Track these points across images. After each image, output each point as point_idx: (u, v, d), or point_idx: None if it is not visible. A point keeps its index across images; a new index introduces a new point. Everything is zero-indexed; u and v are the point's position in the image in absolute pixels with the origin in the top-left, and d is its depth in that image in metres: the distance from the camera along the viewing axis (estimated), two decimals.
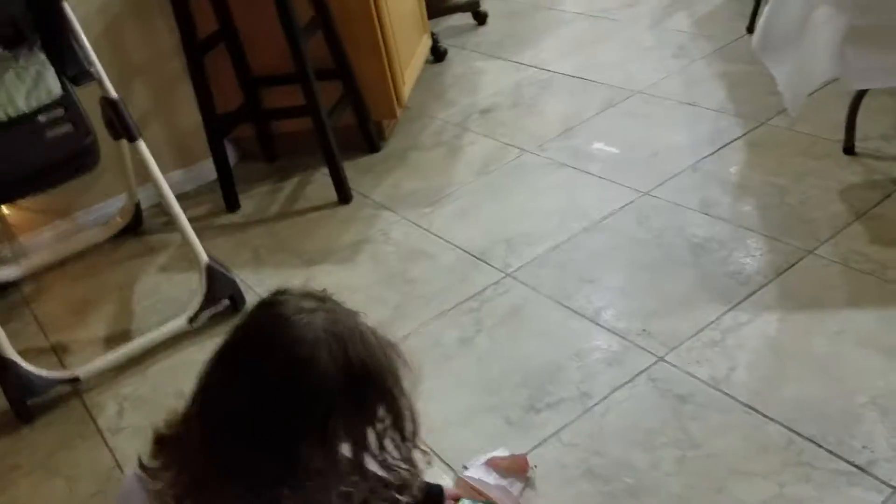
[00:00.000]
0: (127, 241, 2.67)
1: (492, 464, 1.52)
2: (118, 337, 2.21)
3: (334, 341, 0.91)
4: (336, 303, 0.98)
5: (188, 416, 0.93)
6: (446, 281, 2.13)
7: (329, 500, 0.93)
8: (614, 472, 1.49)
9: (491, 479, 1.48)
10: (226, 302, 2.16)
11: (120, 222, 2.68)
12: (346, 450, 0.94)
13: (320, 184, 2.70)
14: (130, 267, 2.53)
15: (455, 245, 2.27)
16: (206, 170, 2.80)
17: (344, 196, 2.59)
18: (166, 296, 2.34)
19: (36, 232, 2.68)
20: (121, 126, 2.10)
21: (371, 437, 0.96)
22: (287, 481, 0.89)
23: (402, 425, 0.98)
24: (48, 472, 1.82)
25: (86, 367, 2.03)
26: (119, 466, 1.78)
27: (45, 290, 2.53)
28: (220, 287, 2.13)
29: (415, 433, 1.03)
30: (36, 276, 2.56)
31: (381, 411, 0.96)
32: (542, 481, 1.51)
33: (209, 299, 2.11)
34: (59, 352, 2.22)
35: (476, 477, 1.49)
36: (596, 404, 1.65)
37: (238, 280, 2.20)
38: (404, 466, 1.01)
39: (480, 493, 1.42)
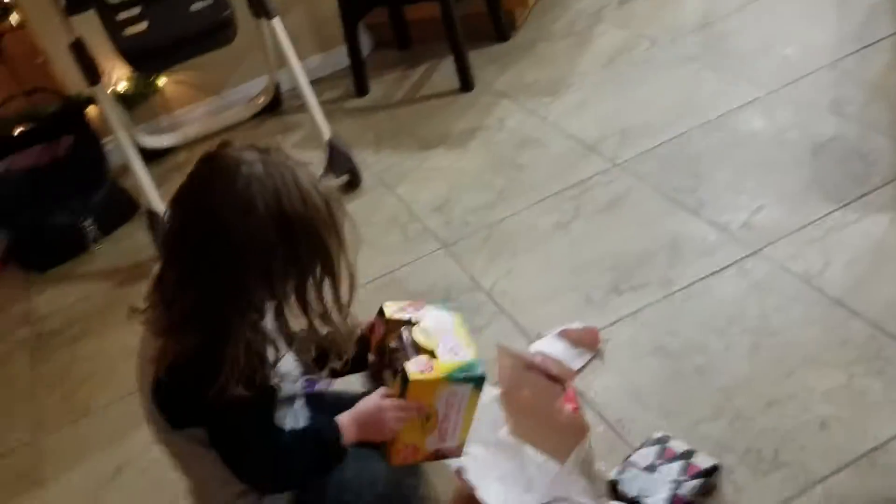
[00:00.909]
0: (267, 119, 2.87)
1: (564, 334, 1.59)
2: None
3: (269, 193, 0.93)
4: (280, 154, 0.99)
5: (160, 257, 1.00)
6: (554, 168, 2.17)
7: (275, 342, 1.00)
8: (685, 352, 1.52)
9: (560, 347, 1.55)
10: (345, 178, 2.31)
11: (261, 102, 2.88)
12: (289, 296, 0.99)
13: (447, 71, 2.75)
14: (268, 143, 2.72)
15: (569, 134, 2.28)
16: (343, 55, 2.92)
17: (466, 84, 2.64)
18: None
19: (190, 107, 2.93)
20: (257, 2, 2.24)
21: (310, 288, 0.99)
22: (239, 312, 0.95)
23: (336, 279, 1.00)
24: None
25: None
26: None
27: (196, 160, 2.77)
28: (339, 163, 2.28)
29: (351, 288, 1.02)
30: (188, 145, 2.82)
31: (316, 264, 0.99)
32: (611, 355, 1.56)
33: (329, 174, 2.26)
34: None
35: (546, 345, 1.56)
36: (680, 290, 1.67)
37: (358, 159, 2.33)
38: (339, 321, 1.02)
39: (520, 358, 1.48)
